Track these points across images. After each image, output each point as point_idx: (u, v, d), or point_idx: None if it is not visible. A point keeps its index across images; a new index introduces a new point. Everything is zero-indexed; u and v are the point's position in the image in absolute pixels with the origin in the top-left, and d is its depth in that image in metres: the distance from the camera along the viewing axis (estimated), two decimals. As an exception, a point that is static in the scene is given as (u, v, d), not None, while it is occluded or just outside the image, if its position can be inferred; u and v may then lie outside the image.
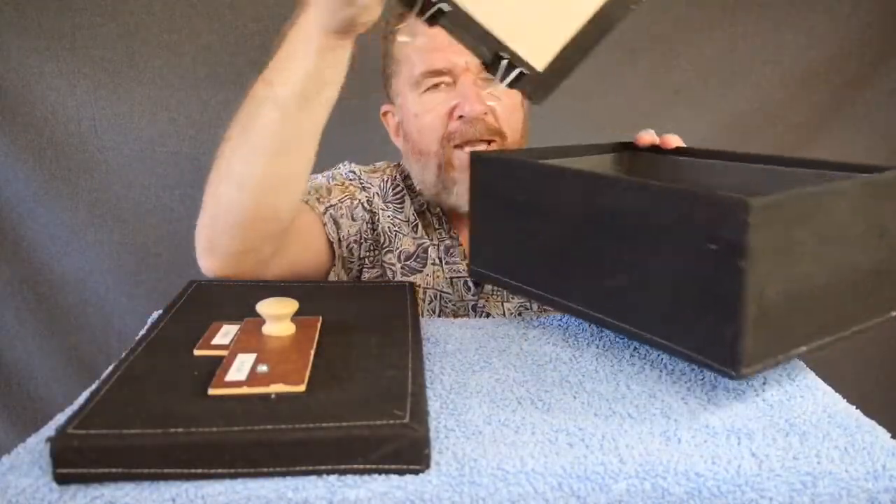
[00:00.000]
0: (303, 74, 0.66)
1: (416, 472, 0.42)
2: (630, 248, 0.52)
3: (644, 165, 0.80)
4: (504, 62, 0.61)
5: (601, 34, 0.63)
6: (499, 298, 0.95)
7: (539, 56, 0.63)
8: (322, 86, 0.67)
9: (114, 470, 0.40)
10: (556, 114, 1.37)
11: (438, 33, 0.92)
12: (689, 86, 1.40)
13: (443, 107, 0.92)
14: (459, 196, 0.91)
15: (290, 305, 0.53)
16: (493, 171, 0.66)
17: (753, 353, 0.46)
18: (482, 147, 0.92)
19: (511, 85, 0.62)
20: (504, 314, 0.94)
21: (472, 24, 0.61)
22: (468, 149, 0.91)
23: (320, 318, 0.57)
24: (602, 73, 1.37)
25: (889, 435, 0.47)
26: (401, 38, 0.92)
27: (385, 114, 1.03)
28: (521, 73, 0.62)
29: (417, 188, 0.98)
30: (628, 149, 0.81)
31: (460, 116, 0.91)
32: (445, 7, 0.60)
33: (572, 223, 0.57)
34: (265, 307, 0.53)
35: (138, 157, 1.28)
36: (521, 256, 0.63)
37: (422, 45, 0.93)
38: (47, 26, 1.21)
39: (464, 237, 0.96)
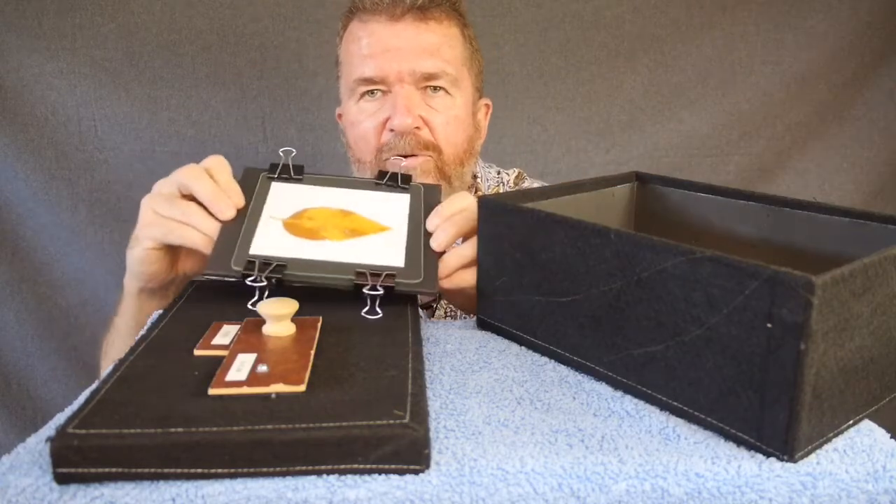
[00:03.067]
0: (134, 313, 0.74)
1: (416, 472, 0.42)
2: (671, 317, 0.48)
3: (658, 200, 0.76)
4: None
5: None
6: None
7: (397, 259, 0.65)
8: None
9: (114, 470, 0.40)
10: (556, 115, 1.38)
11: (374, 36, 0.89)
12: (689, 86, 1.40)
13: (376, 117, 0.89)
14: None
15: (290, 305, 0.53)
16: (507, 219, 0.60)
17: (808, 437, 0.43)
18: (414, 160, 0.88)
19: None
20: None
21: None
22: (402, 162, 0.87)
23: (320, 319, 0.57)
24: (602, 73, 1.38)
25: (889, 436, 0.47)
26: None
27: (339, 116, 1.01)
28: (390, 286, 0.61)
29: None
30: (639, 179, 0.77)
31: (392, 129, 0.88)
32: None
33: (604, 283, 0.52)
34: (266, 307, 0.53)
35: (138, 157, 1.28)
36: (537, 312, 0.58)
37: (357, 50, 0.90)
38: (47, 26, 1.21)
39: None
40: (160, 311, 0.61)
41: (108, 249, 1.30)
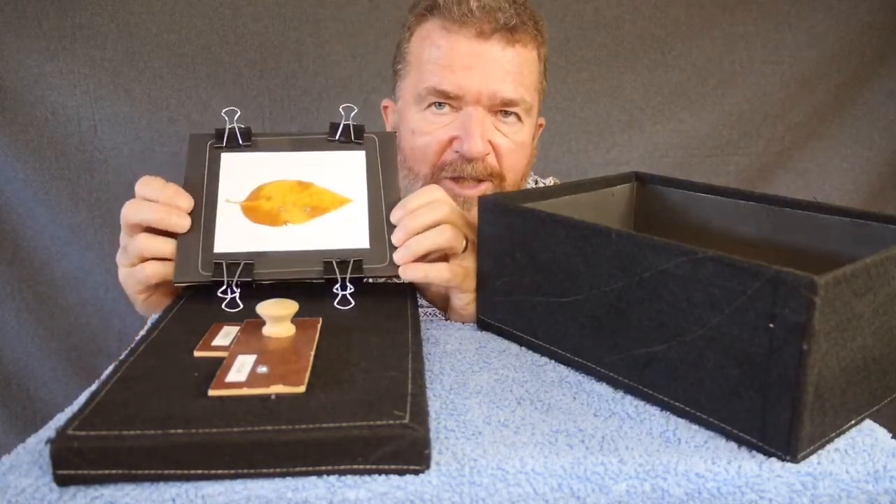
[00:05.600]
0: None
1: (416, 473, 0.42)
2: (672, 317, 0.47)
3: (658, 200, 0.76)
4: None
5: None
6: None
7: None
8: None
9: (114, 471, 0.40)
10: (556, 115, 1.38)
11: (457, 50, 0.85)
12: (689, 86, 1.40)
13: (442, 132, 0.85)
14: None
15: (290, 307, 0.53)
16: (507, 219, 0.60)
17: (810, 437, 0.43)
18: (475, 187, 0.85)
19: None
20: None
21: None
22: (461, 189, 0.85)
23: (320, 320, 0.57)
24: (602, 73, 1.38)
25: (889, 435, 0.47)
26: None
27: (385, 108, 0.98)
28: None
29: None
30: (639, 179, 0.77)
31: (458, 151, 0.84)
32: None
33: (605, 284, 0.52)
34: (265, 308, 0.53)
35: (138, 157, 1.28)
36: (538, 312, 0.58)
37: (436, 58, 0.85)
38: (47, 26, 1.21)
39: None
40: (160, 312, 0.61)
41: (108, 249, 1.29)
